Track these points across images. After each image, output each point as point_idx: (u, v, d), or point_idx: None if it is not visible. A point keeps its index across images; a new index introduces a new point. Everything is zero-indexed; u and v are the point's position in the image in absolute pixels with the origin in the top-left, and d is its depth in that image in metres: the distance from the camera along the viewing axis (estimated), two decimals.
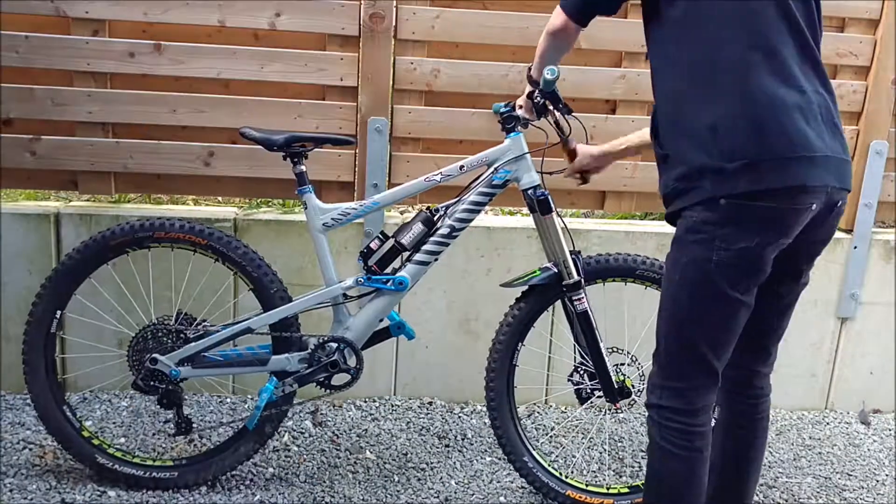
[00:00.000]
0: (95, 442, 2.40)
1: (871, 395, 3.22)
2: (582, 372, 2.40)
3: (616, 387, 2.36)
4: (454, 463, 2.66)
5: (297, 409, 2.89)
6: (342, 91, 2.82)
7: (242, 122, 2.78)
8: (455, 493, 2.50)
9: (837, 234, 3.10)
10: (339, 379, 2.34)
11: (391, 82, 2.83)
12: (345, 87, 2.81)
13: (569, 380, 2.43)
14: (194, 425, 2.42)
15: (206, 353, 2.31)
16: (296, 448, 2.66)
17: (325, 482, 2.49)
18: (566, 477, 2.46)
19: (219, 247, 2.31)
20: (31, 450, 2.52)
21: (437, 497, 2.47)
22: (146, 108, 2.75)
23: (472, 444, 2.77)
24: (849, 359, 3.18)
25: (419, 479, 2.55)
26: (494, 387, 2.41)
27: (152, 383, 2.29)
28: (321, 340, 2.32)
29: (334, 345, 2.32)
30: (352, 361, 2.34)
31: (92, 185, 2.83)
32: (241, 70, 2.75)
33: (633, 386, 2.39)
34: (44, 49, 2.67)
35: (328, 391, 2.35)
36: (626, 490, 2.47)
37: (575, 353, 2.42)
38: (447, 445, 2.76)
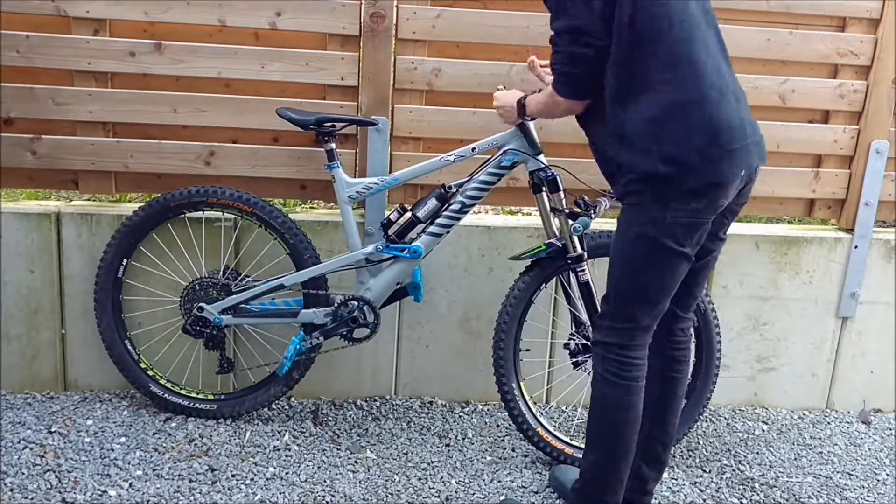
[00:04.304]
0: (150, 373, 2.76)
1: (871, 395, 3.22)
2: (577, 341, 2.62)
3: None
4: (455, 462, 2.66)
5: (298, 408, 2.89)
6: (343, 90, 2.82)
7: (243, 121, 2.79)
8: (456, 492, 2.50)
9: (838, 234, 3.11)
10: (360, 333, 2.65)
11: (392, 82, 2.83)
12: (345, 86, 2.81)
13: (565, 347, 2.66)
14: (235, 365, 2.81)
15: (245, 304, 2.65)
16: (296, 447, 2.66)
17: (325, 482, 2.49)
18: (539, 416, 2.67)
19: (262, 214, 2.66)
20: (31, 449, 2.52)
21: (438, 496, 2.47)
22: (147, 108, 2.75)
23: (472, 444, 2.77)
24: (849, 358, 3.18)
25: (420, 479, 2.55)
26: (511, 311, 2.61)
27: (198, 328, 2.67)
28: (344, 298, 2.61)
29: (355, 303, 2.62)
30: (370, 318, 2.64)
31: (93, 184, 2.83)
32: (242, 69, 2.75)
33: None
34: (44, 48, 2.67)
35: (350, 343, 2.66)
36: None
37: (570, 324, 2.65)
38: (448, 445, 2.76)
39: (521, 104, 2.33)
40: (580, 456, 2.59)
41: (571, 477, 2.48)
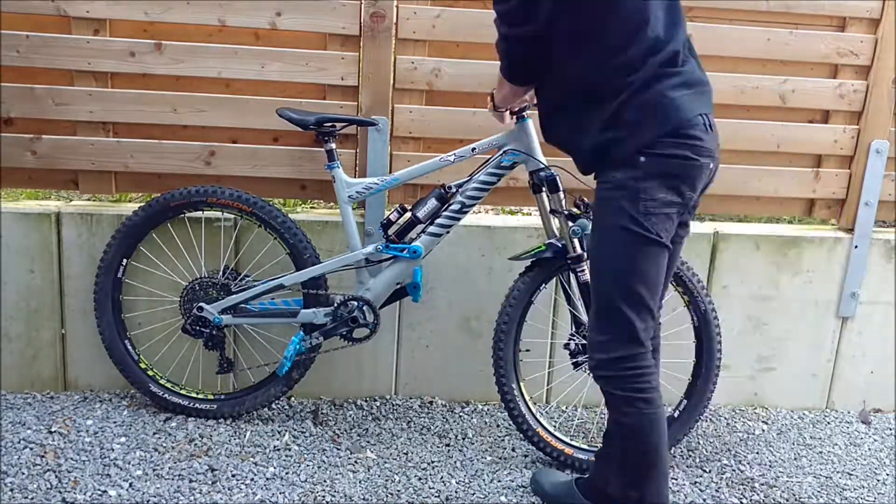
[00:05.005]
0: (150, 373, 2.77)
1: (871, 395, 3.22)
2: (577, 341, 2.62)
3: None
4: (455, 462, 2.66)
5: (298, 408, 2.89)
6: (343, 90, 2.82)
7: (243, 121, 2.79)
8: (456, 492, 2.50)
9: (838, 234, 3.11)
10: (359, 333, 2.66)
11: (392, 82, 2.83)
12: (346, 86, 2.81)
13: (564, 347, 2.66)
14: (235, 365, 2.85)
15: (245, 304, 2.66)
16: (296, 447, 2.66)
17: (325, 482, 2.49)
18: (539, 416, 2.67)
19: (262, 214, 2.66)
20: (31, 449, 2.52)
21: (438, 496, 2.47)
22: (147, 108, 2.75)
23: (472, 444, 2.77)
24: (849, 358, 3.18)
25: (420, 479, 2.55)
26: (511, 312, 2.61)
27: (198, 328, 2.66)
28: (344, 298, 2.62)
29: (355, 303, 2.62)
30: (370, 318, 2.64)
31: (93, 184, 2.83)
32: (242, 69, 2.75)
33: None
34: (44, 48, 2.67)
35: (350, 343, 2.66)
36: (585, 446, 2.68)
37: (571, 324, 2.65)
38: (448, 445, 2.76)
39: (490, 96, 2.37)
40: (580, 456, 2.61)
41: (552, 479, 2.48)
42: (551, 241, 2.54)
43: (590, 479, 2.36)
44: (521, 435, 2.66)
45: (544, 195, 2.53)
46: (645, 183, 1.88)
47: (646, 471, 2.02)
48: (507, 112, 2.44)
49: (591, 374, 2.09)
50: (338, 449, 2.67)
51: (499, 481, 2.57)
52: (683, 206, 1.96)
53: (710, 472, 2.70)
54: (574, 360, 2.64)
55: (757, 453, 2.85)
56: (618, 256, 1.95)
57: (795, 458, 2.84)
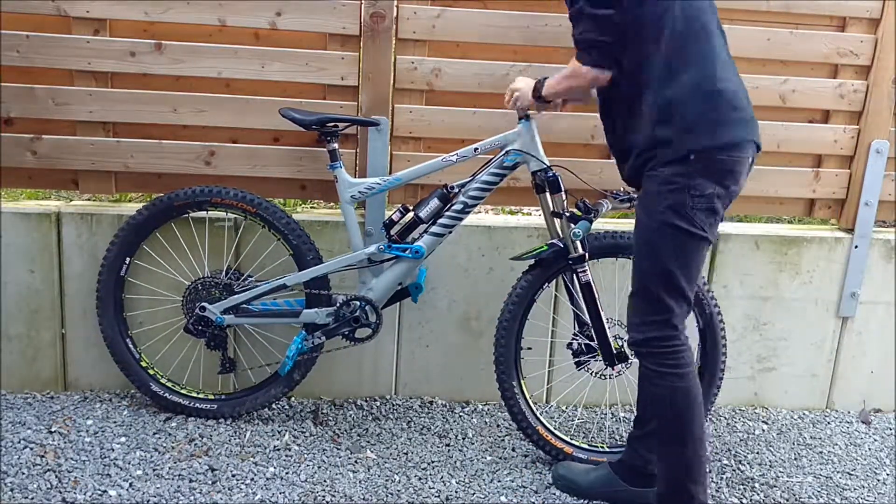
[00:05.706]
0: (151, 372, 2.78)
1: (871, 395, 3.22)
2: (580, 341, 2.63)
3: (614, 352, 2.56)
4: (455, 462, 2.66)
5: (298, 408, 2.89)
6: (343, 90, 2.82)
7: (243, 121, 2.79)
8: (456, 492, 2.50)
9: (837, 234, 3.11)
10: (362, 333, 2.66)
11: (392, 82, 2.83)
12: (346, 86, 2.81)
13: (567, 347, 2.66)
14: (237, 365, 2.86)
15: (247, 304, 2.66)
16: (297, 447, 2.66)
17: (325, 481, 2.49)
18: (539, 414, 2.68)
19: (265, 215, 2.66)
20: (31, 449, 2.52)
21: (438, 496, 2.47)
22: (147, 108, 2.75)
23: (472, 444, 2.77)
24: (849, 358, 3.18)
25: (420, 479, 2.55)
26: (513, 310, 2.61)
27: (200, 327, 2.67)
28: (346, 298, 2.62)
29: (357, 303, 2.63)
30: (372, 318, 2.65)
31: (93, 184, 2.83)
32: (242, 69, 2.75)
33: (631, 353, 2.58)
34: (44, 48, 2.67)
35: (352, 343, 2.66)
36: (586, 446, 2.69)
37: (574, 324, 2.64)
38: (448, 445, 2.76)
39: (537, 84, 2.36)
40: (580, 456, 2.62)
41: (579, 471, 2.52)
42: (553, 241, 2.54)
43: (625, 462, 2.44)
44: (521, 433, 2.66)
45: (547, 195, 2.52)
46: (695, 180, 2.03)
47: (678, 434, 2.17)
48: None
49: (629, 348, 2.23)
50: (338, 449, 2.67)
51: (499, 481, 2.57)
52: (728, 198, 2.09)
53: (710, 472, 2.70)
54: (577, 360, 2.63)
55: (757, 453, 2.85)
56: (664, 250, 2.08)
57: (795, 458, 2.85)
